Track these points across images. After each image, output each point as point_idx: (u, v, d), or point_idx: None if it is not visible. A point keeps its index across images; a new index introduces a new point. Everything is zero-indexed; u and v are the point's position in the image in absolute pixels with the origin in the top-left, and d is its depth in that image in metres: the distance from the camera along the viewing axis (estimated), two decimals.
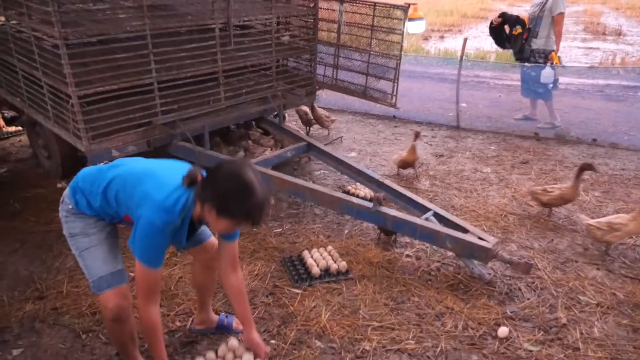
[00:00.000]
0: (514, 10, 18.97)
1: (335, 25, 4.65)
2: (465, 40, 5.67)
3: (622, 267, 2.99)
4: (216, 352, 2.17)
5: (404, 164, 4.20)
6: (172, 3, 4.02)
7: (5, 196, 3.89)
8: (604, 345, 2.36)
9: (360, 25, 4.57)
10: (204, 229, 2.19)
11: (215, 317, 2.46)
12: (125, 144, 3.35)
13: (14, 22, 3.60)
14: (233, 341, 2.19)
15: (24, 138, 5.11)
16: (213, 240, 2.23)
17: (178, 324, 2.51)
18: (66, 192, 1.99)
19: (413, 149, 4.10)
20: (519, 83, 7.29)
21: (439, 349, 2.33)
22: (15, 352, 2.35)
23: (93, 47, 3.30)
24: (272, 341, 2.39)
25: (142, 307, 1.84)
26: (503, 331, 2.42)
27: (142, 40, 3.22)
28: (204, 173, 1.79)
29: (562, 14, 5.17)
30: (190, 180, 1.76)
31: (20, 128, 5.34)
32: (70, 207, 1.94)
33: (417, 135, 4.15)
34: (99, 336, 2.42)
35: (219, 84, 3.76)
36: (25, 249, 3.20)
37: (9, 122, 5.62)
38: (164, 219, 1.72)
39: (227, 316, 2.48)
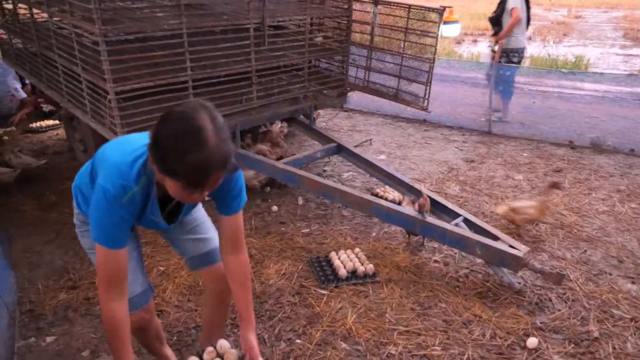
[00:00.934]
0: (549, 15, 18.55)
1: (369, 27, 4.64)
2: (501, 44, 5.58)
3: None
4: (201, 357, 1.75)
5: (526, 222, 3.32)
6: (209, 2, 4.08)
7: (42, 188, 4.02)
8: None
9: (394, 28, 4.55)
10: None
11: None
12: None
13: (56, 18, 3.72)
14: (223, 342, 1.78)
15: (61, 132, 5.27)
16: None
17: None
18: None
19: (543, 206, 3.28)
20: (554, 89, 7.15)
21: (465, 357, 2.30)
22: (48, 339, 2.42)
23: (131, 45, 3.37)
24: (298, 341, 2.40)
25: (103, 299, 1.47)
26: (532, 342, 2.37)
27: (179, 39, 3.27)
28: None
29: (515, 9, 5.41)
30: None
31: (57, 122, 5.51)
32: (76, 212, 1.71)
33: (555, 186, 3.34)
34: None
35: (251, 83, 3.80)
36: (60, 239, 3.29)
37: (47, 115, 5.81)
38: (116, 184, 1.36)
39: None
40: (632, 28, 14.92)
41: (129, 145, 1.44)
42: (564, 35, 14.38)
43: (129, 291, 1.58)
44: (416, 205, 3.00)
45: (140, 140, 1.44)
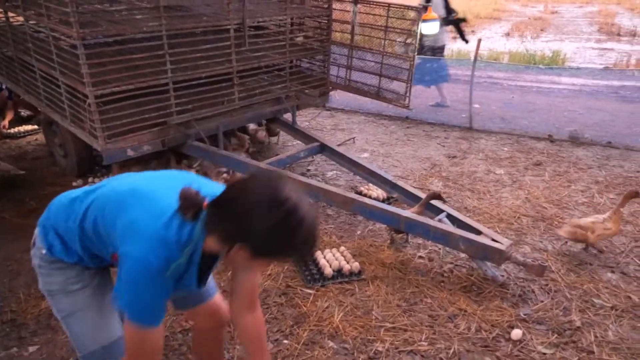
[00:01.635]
0: (527, 11, 18.82)
1: (349, 26, 4.66)
2: (480, 41, 5.65)
3: (637, 269, 2.96)
4: None
5: (604, 238, 3.08)
6: (188, 4, 4.07)
7: (22, 194, 3.95)
8: (618, 348, 2.35)
9: (374, 27, 4.57)
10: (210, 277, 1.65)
11: None
12: (140, 144, 3.39)
13: (32, 22, 3.66)
14: None
15: (40, 137, 5.19)
16: (218, 298, 1.75)
17: (191, 323, 2.52)
18: (37, 231, 1.49)
19: (619, 218, 3.06)
20: (533, 84, 7.27)
21: (451, 351, 2.33)
22: (31, 348, 2.39)
23: (110, 48, 3.34)
24: (285, 341, 2.40)
25: None
26: (517, 334, 2.41)
27: (158, 41, 3.25)
28: (205, 193, 1.28)
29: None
30: (190, 209, 1.24)
31: (36, 127, 5.42)
32: (44, 252, 1.45)
33: (636, 195, 3.04)
34: None
35: (233, 84, 3.79)
36: None
37: (25, 120, 5.71)
38: (161, 257, 1.21)
39: None
40: (607, 22, 15.22)
41: (164, 209, 1.25)
42: (541, 30, 14.61)
43: (92, 343, 1.50)
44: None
45: (171, 196, 1.27)
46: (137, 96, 3.27)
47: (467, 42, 6.77)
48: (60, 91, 3.38)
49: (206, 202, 1.25)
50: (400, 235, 3.22)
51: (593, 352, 2.32)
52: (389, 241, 3.25)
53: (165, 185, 1.33)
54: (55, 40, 3.26)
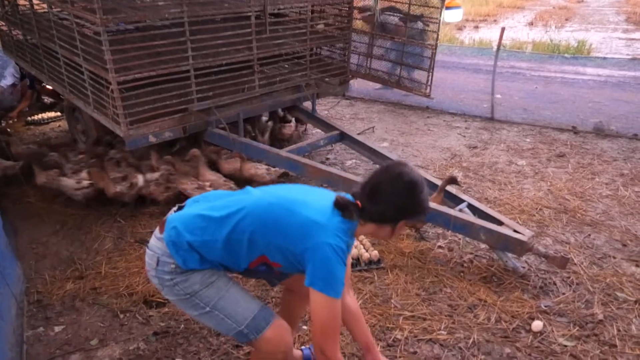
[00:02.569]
0: (551, 0, 18.38)
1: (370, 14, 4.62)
2: (503, 29, 5.54)
3: None
4: None
5: None
6: None
7: None
8: None
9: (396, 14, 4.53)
10: None
11: (299, 353, 2.16)
12: (161, 130, 3.41)
13: (56, 9, 3.70)
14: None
15: (63, 123, 5.27)
16: None
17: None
18: (156, 251, 1.66)
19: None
20: (557, 75, 7.11)
21: (471, 341, 2.31)
22: (57, 328, 2.44)
23: (132, 34, 3.36)
24: (304, 327, 2.41)
25: (331, 349, 1.58)
26: (537, 325, 2.39)
27: (180, 28, 3.26)
28: (348, 195, 1.65)
29: None
30: (352, 210, 1.60)
31: (59, 114, 5.51)
32: (173, 266, 1.63)
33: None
34: (136, 316, 2.50)
35: (253, 71, 3.79)
36: (66, 230, 3.31)
37: (48, 108, 5.80)
38: (343, 242, 1.55)
39: (310, 348, 2.19)
40: (635, 12, 14.80)
41: (326, 211, 1.58)
42: (566, 20, 14.28)
43: (249, 310, 1.68)
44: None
45: (324, 202, 1.61)
46: (158, 83, 3.29)
47: None
48: (84, 78, 3.42)
49: (358, 201, 1.61)
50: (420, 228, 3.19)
51: (615, 346, 2.29)
52: (416, 235, 3.20)
53: (309, 193, 1.69)
54: (79, 27, 3.30)
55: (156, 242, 1.68)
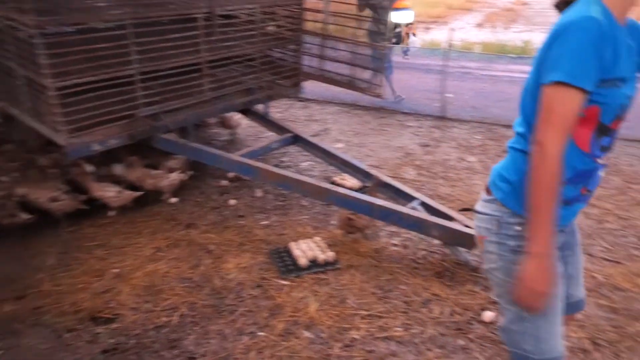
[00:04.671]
0: (498, 2, 18.99)
1: (321, 15, 4.61)
2: (452, 30, 5.67)
3: (601, 250, 3.02)
4: None
5: None
6: None
7: None
8: (584, 326, 2.39)
9: (346, 15, 4.54)
10: None
11: None
12: (106, 138, 3.28)
13: None
14: None
15: None
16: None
17: (164, 319, 2.47)
18: (495, 214, 1.41)
19: None
20: (504, 74, 7.34)
21: (426, 335, 2.34)
22: None
23: (72, 37, 3.22)
24: (260, 333, 2.37)
25: (554, 143, 1.22)
26: (489, 315, 2.44)
27: (123, 30, 3.15)
28: None
29: None
30: None
31: None
32: (519, 228, 1.36)
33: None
34: (81, 335, 2.38)
35: (203, 75, 3.71)
36: (4, 247, 3.12)
37: None
38: (585, 15, 1.19)
39: None
40: None
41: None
42: (512, 21, 14.78)
43: (553, 351, 1.38)
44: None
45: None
46: (102, 88, 3.17)
47: None
48: (19, 84, 3.25)
49: None
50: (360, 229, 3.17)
51: None
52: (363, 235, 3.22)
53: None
54: (12, 29, 3.13)
55: (488, 206, 1.45)
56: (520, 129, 1.42)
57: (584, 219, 3.36)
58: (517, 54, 9.33)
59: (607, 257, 2.96)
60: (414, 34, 5.99)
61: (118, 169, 3.62)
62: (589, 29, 1.20)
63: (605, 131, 1.32)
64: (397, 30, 6.04)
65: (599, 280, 2.73)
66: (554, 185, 1.24)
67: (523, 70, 7.71)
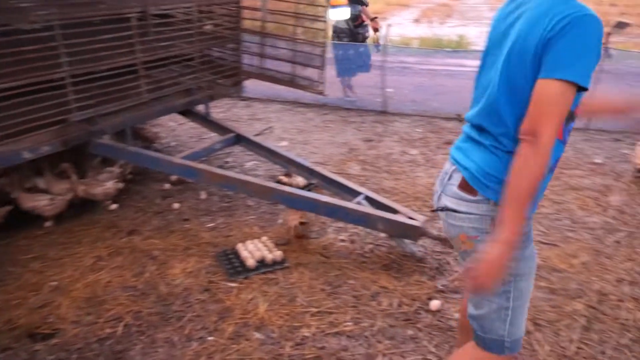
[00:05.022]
0: None
1: (260, 13, 4.58)
2: (389, 26, 5.78)
3: (538, 234, 3.19)
4: None
5: None
6: None
7: None
8: None
9: (284, 13, 4.52)
10: None
11: None
12: (37, 145, 3.12)
13: None
14: None
15: None
16: None
17: (108, 330, 2.39)
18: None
19: None
20: (441, 68, 7.56)
21: (376, 328, 2.38)
22: None
23: None
24: (210, 338, 2.34)
25: (550, 139, 1.24)
26: (435, 304, 2.52)
27: (50, 31, 3.00)
28: None
29: None
30: None
31: None
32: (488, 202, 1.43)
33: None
34: (18, 354, 2.25)
35: (139, 76, 3.59)
36: None
37: None
38: (589, 12, 1.23)
39: None
40: None
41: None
42: (447, 16, 15.28)
43: (521, 330, 1.50)
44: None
45: None
46: (32, 92, 3.00)
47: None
48: None
49: None
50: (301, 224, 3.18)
51: None
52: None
53: None
54: None
55: (477, 206, 1.46)
56: (497, 129, 1.40)
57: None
58: (453, 48, 9.67)
59: (543, 241, 3.12)
60: (376, 30, 6.08)
61: (41, 183, 3.40)
62: (597, 30, 1.24)
63: (572, 117, 1.38)
64: (343, 27, 6.03)
65: (538, 263, 2.88)
66: (542, 177, 1.28)
67: (459, 64, 7.99)
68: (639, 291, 2.63)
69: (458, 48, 9.72)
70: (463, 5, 18.16)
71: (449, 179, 1.52)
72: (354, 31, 5.95)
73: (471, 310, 1.55)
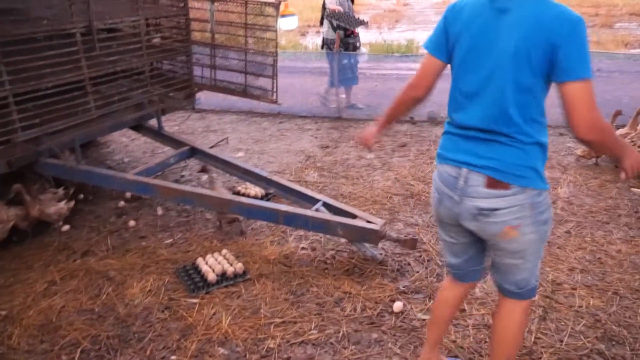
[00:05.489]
0: (382, 4, 19.90)
1: (209, 25, 4.54)
2: (338, 34, 5.85)
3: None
4: None
5: None
6: (24, 7, 3.65)
7: None
8: (485, 302, 2.59)
9: (234, 24, 4.51)
10: None
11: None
12: None
13: None
14: None
15: None
16: None
17: (64, 358, 2.30)
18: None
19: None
20: (392, 72, 7.69)
21: (341, 334, 2.40)
22: None
23: None
24: (172, 357, 2.29)
25: (597, 118, 1.48)
26: (398, 306, 2.55)
27: None
28: None
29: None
30: None
31: None
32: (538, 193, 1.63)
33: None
34: None
35: (87, 92, 3.49)
36: None
37: None
38: (577, 14, 1.48)
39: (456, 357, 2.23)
40: None
41: None
42: (396, 21, 15.60)
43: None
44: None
45: None
46: None
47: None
48: None
49: None
50: (232, 221, 3.31)
51: (465, 310, 2.54)
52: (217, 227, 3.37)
53: None
54: None
55: (514, 198, 1.64)
56: (509, 129, 1.56)
57: None
58: (403, 52, 9.88)
59: None
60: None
61: None
62: (585, 28, 1.47)
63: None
64: (332, 37, 5.85)
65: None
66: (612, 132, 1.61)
67: (409, 68, 8.17)
68: (590, 279, 2.76)
69: (407, 52, 9.94)
70: (411, 10, 18.60)
71: (466, 182, 1.61)
72: (344, 41, 5.85)
73: (508, 286, 1.80)
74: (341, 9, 5.69)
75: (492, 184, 1.57)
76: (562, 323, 2.44)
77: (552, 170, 4.18)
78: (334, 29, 5.73)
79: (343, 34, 5.77)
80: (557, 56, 1.44)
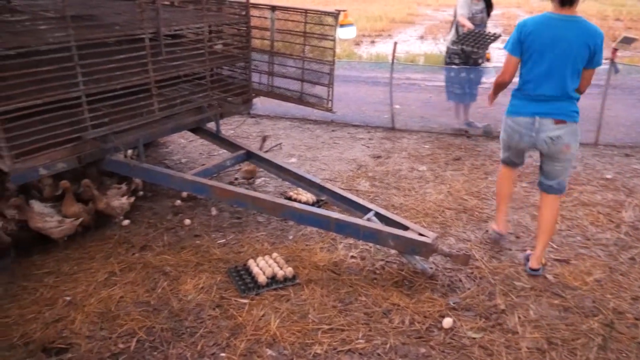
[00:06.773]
0: (438, 15, 19.72)
1: (269, 33, 4.66)
2: (395, 44, 5.85)
3: (550, 251, 3.19)
4: None
5: None
6: (98, 13, 3.87)
7: None
8: (539, 326, 2.51)
9: (293, 32, 4.60)
10: None
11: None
12: (53, 161, 3.18)
13: None
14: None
15: None
16: None
17: (121, 346, 2.41)
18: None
19: None
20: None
21: (388, 346, 2.38)
22: None
23: (13, 61, 3.11)
24: (222, 354, 2.35)
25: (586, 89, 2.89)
26: (447, 322, 2.52)
27: (67, 52, 3.08)
28: None
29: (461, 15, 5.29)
30: None
31: None
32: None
33: None
34: None
35: (151, 95, 3.66)
36: None
37: None
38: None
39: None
40: (510, 24, 16.31)
41: None
42: None
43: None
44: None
45: None
46: (48, 111, 3.07)
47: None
48: None
49: None
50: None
51: (517, 332, 2.47)
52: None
53: None
54: None
55: (568, 126, 2.81)
56: (563, 95, 2.75)
57: (531, 222, 3.54)
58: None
59: (556, 257, 3.12)
60: (487, 59, 5.52)
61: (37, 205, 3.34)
62: None
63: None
64: (456, 48, 5.46)
65: (550, 281, 2.88)
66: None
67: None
68: None
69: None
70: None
71: (540, 125, 2.79)
72: (467, 53, 5.40)
73: (551, 183, 2.92)
74: (471, 26, 5.09)
75: (558, 122, 2.76)
76: (624, 355, 2.33)
77: (617, 193, 4.01)
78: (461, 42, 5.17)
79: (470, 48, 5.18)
80: (593, 56, 2.68)
